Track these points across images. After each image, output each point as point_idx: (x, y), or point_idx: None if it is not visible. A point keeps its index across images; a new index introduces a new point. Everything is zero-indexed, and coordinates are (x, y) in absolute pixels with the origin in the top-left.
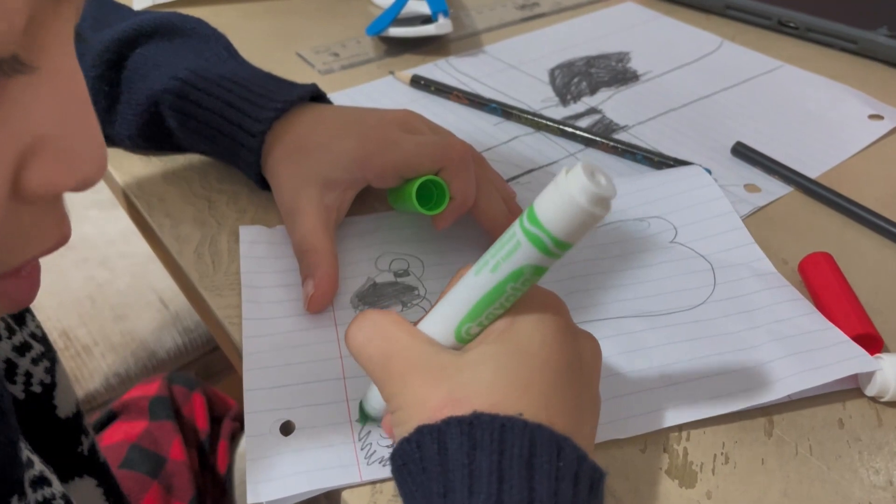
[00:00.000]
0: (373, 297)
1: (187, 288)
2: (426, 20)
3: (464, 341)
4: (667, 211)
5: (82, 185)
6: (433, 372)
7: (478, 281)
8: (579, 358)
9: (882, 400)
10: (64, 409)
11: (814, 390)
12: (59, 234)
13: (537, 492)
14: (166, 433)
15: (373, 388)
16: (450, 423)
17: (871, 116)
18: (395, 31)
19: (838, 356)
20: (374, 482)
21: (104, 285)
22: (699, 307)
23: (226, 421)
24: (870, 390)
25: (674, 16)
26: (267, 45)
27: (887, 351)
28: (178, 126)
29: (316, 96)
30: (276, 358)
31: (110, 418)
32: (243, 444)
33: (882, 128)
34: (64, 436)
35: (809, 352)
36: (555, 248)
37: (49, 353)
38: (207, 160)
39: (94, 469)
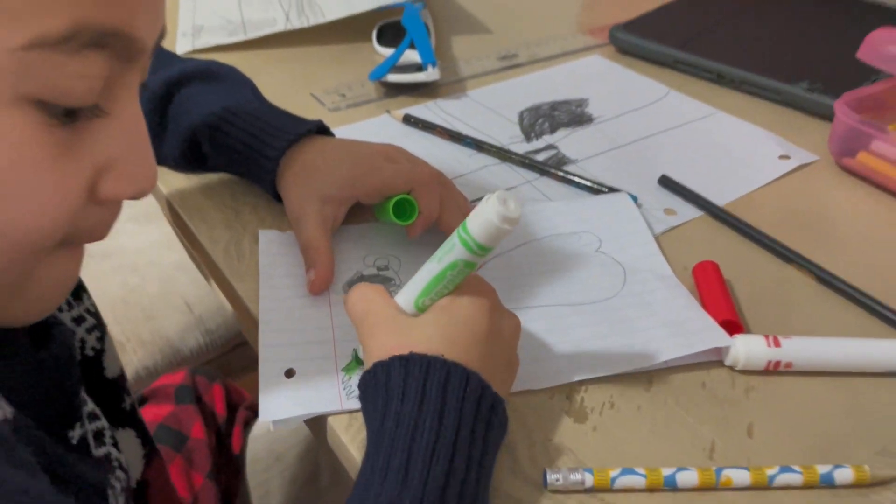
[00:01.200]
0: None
1: (217, 276)
2: (419, 68)
3: (421, 310)
4: (595, 227)
5: (138, 195)
6: (392, 327)
7: (430, 268)
8: (499, 329)
9: (736, 368)
10: (111, 371)
11: (685, 359)
12: (110, 224)
13: (448, 405)
14: (189, 416)
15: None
16: (394, 359)
17: (781, 157)
18: (393, 78)
19: (704, 335)
20: (351, 412)
21: (136, 290)
22: (610, 299)
23: (241, 410)
24: (727, 361)
25: (632, 68)
26: (286, 86)
27: (748, 332)
28: (211, 151)
29: (321, 130)
30: (283, 324)
31: (141, 402)
32: (256, 428)
33: (787, 166)
34: (111, 393)
35: (684, 331)
36: (477, 249)
37: (100, 326)
38: (234, 178)
39: (134, 423)
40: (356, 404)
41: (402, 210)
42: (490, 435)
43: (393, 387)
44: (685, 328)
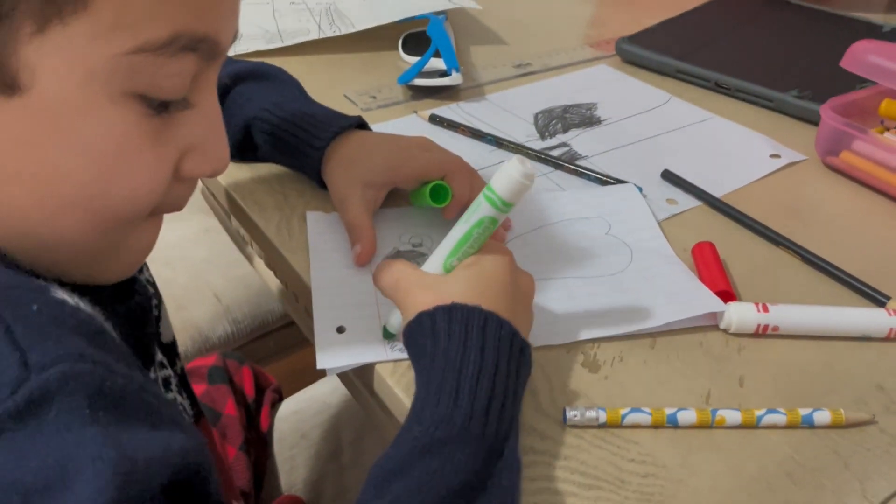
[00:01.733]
0: (396, 258)
1: (269, 251)
2: (443, 74)
3: (448, 271)
4: (605, 213)
5: (215, 174)
6: (426, 286)
7: (457, 228)
8: (517, 284)
9: (729, 332)
10: (166, 336)
11: (685, 322)
12: (188, 197)
13: (488, 343)
14: (222, 395)
15: (391, 315)
16: (437, 309)
17: (772, 155)
18: (419, 82)
19: (702, 301)
20: (395, 361)
21: (169, 281)
22: (618, 274)
23: (268, 392)
24: (721, 325)
25: (636, 76)
26: (323, 88)
27: (740, 301)
28: (263, 143)
29: (360, 125)
30: (333, 290)
31: None
32: (282, 409)
33: (777, 164)
34: (167, 356)
35: (684, 299)
36: (501, 205)
37: (157, 294)
38: (283, 168)
39: (184, 385)
40: (399, 355)
41: (438, 194)
42: (521, 371)
43: (439, 331)
44: (685, 297)
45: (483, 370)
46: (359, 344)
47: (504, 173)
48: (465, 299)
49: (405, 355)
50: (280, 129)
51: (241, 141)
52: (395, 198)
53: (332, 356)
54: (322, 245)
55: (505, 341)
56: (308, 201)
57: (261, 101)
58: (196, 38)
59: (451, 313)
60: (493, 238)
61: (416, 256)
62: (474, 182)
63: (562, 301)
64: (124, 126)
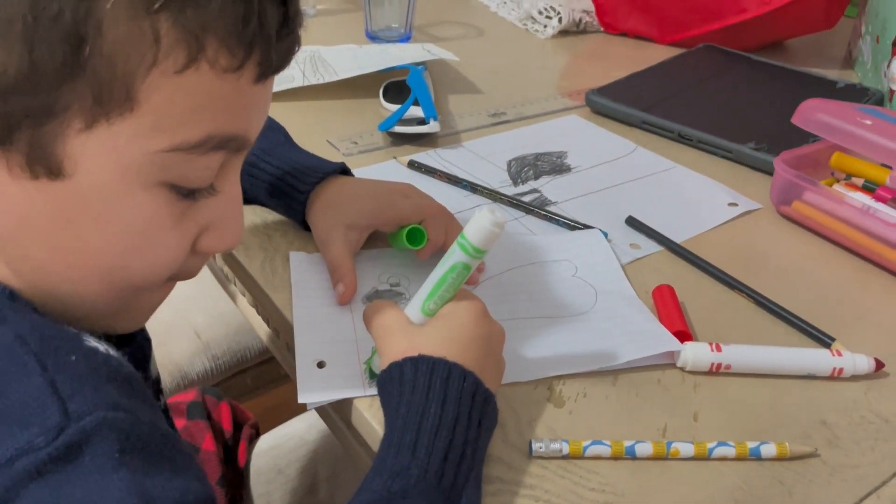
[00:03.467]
0: (375, 298)
1: (253, 289)
2: (422, 122)
3: (427, 314)
4: (572, 256)
5: (228, 250)
6: (402, 334)
7: (433, 273)
8: (488, 334)
9: (686, 369)
10: (153, 372)
11: (644, 360)
12: (201, 266)
13: (449, 395)
14: (200, 430)
15: (375, 356)
16: (406, 360)
17: (730, 204)
18: (399, 129)
19: (660, 341)
20: (373, 396)
21: (152, 318)
22: (583, 314)
23: (245, 427)
24: (678, 363)
25: (605, 126)
26: (307, 134)
27: (696, 341)
28: (250, 187)
29: (343, 170)
30: (313, 326)
31: None
32: (260, 444)
33: (735, 212)
34: (152, 391)
35: (644, 338)
36: (474, 252)
37: (146, 335)
38: (268, 210)
39: (167, 420)
40: (375, 390)
41: (414, 237)
42: (484, 421)
43: (406, 381)
44: (645, 336)
45: (443, 422)
46: (338, 379)
47: (475, 222)
48: (435, 350)
49: None
50: (266, 174)
51: None
52: (374, 239)
53: (312, 391)
54: (304, 283)
55: (468, 392)
56: (291, 241)
57: None
58: (227, 138)
59: (418, 364)
60: (467, 281)
61: (394, 296)
62: (450, 226)
63: (530, 339)
64: (153, 210)
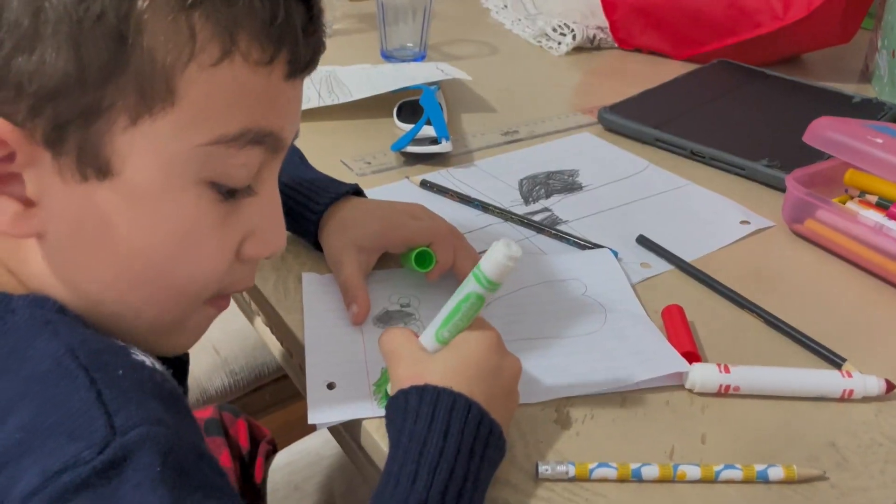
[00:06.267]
0: (386, 318)
1: (266, 309)
2: (434, 141)
3: (441, 342)
4: (582, 276)
5: (272, 256)
6: (413, 362)
7: (449, 302)
8: (500, 368)
9: (694, 391)
10: (187, 389)
11: (653, 382)
12: (251, 280)
13: (452, 426)
14: (217, 446)
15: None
16: (412, 388)
17: (742, 222)
18: (412, 149)
19: (668, 362)
20: (381, 417)
21: None
22: (593, 334)
23: (262, 444)
24: (686, 384)
25: (617, 144)
26: (320, 154)
27: (705, 362)
28: None
29: (356, 191)
30: (325, 347)
31: None
32: (276, 460)
33: (747, 230)
34: None
35: (653, 359)
36: (488, 284)
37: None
38: None
39: None
40: (384, 411)
41: (422, 260)
42: (487, 453)
43: (410, 410)
44: (653, 357)
45: (444, 454)
46: (348, 400)
47: (490, 255)
48: (442, 379)
49: None
50: (280, 194)
51: None
52: (385, 259)
53: (322, 412)
54: (316, 304)
55: (472, 424)
56: (304, 263)
57: None
58: (262, 133)
59: (423, 394)
60: None
61: (405, 316)
62: (459, 248)
63: (539, 359)
64: (196, 210)
